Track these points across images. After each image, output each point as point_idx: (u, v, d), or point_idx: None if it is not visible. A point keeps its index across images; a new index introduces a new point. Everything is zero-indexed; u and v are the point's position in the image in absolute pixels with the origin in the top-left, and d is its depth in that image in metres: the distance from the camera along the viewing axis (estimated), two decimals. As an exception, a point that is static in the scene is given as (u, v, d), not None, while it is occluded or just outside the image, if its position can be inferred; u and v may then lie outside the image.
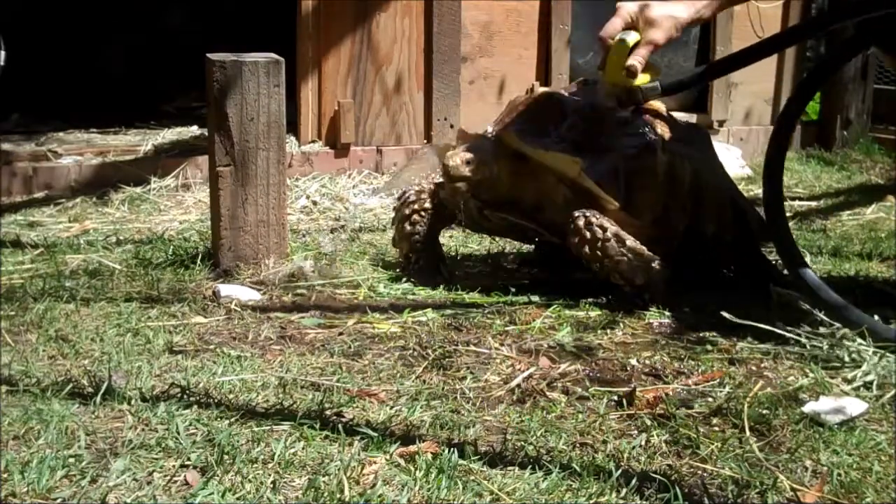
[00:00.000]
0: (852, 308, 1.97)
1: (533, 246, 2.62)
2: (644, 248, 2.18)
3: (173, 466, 1.40)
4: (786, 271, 2.14)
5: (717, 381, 1.78)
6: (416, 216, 2.42)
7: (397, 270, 2.47)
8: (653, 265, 2.18)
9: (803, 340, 1.94)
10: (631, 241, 2.17)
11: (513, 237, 2.57)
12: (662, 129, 2.35)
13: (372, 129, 3.90)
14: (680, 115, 4.63)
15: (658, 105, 2.40)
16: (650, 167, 2.28)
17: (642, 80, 2.21)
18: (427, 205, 2.42)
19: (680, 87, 2.30)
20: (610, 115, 2.30)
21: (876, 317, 1.95)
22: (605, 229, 2.16)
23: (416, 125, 3.99)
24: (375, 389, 1.72)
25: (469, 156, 2.27)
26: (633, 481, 1.38)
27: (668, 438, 1.54)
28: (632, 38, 2.14)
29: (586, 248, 2.18)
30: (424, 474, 1.38)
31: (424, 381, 1.77)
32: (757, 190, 4.05)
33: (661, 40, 2.13)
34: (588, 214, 2.19)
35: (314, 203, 3.44)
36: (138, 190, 3.45)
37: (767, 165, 2.12)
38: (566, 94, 2.40)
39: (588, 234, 2.17)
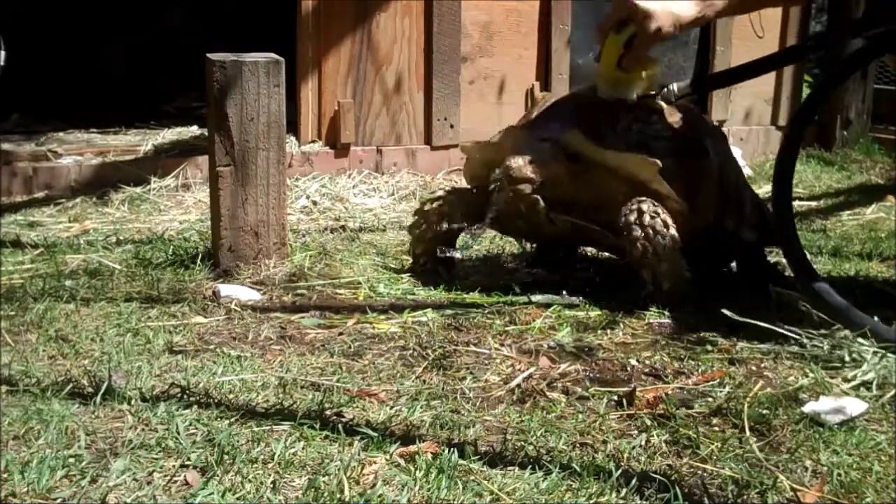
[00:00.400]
0: (854, 310, 1.96)
1: (533, 246, 2.62)
2: (683, 258, 2.17)
3: (173, 466, 1.40)
4: (792, 274, 2.13)
5: (717, 381, 1.78)
6: (436, 219, 2.38)
7: (402, 273, 2.47)
8: (684, 275, 2.18)
9: (804, 340, 1.94)
10: (678, 248, 2.16)
11: (571, 241, 2.50)
12: (700, 119, 2.39)
13: (372, 129, 3.90)
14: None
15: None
16: (707, 169, 2.30)
17: (638, 73, 2.23)
18: (447, 208, 2.38)
19: (711, 84, 2.52)
20: (661, 116, 2.31)
21: (876, 318, 1.95)
22: (667, 226, 2.14)
23: (416, 125, 3.98)
24: (375, 389, 1.72)
25: (530, 157, 2.20)
26: (633, 481, 1.38)
27: (668, 438, 1.54)
28: (627, 30, 2.14)
29: (638, 232, 2.14)
30: (424, 474, 1.38)
31: (424, 381, 1.77)
32: (757, 190, 4.05)
33: (659, 34, 2.13)
34: (654, 205, 2.16)
35: (314, 203, 3.44)
36: (138, 190, 3.45)
37: (779, 166, 2.10)
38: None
39: (647, 222, 2.14)
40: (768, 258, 2.57)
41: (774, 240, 2.45)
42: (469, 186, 2.46)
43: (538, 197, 2.21)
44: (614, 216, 2.20)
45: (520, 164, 2.19)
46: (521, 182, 2.20)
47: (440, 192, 2.43)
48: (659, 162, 2.18)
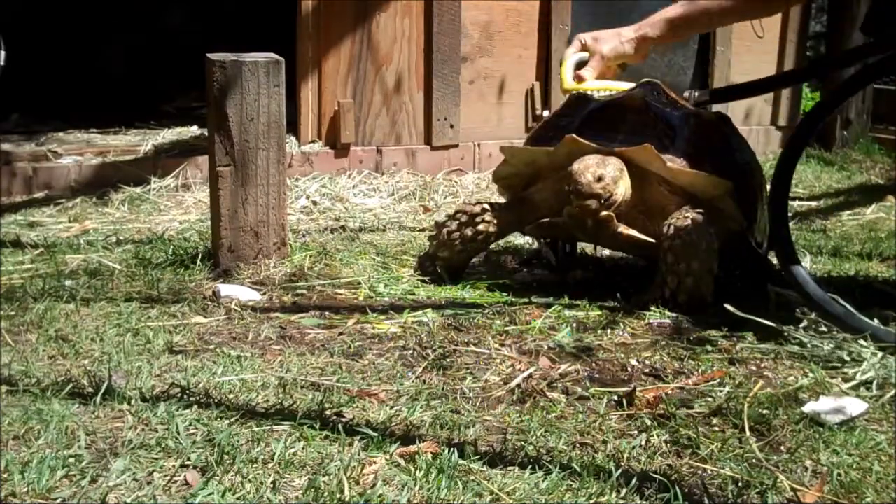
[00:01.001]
0: (853, 313, 1.96)
1: (535, 246, 2.62)
2: (716, 265, 2.18)
3: (173, 466, 1.40)
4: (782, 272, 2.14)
5: (717, 381, 1.78)
6: (471, 244, 2.38)
7: (401, 271, 2.47)
8: (705, 297, 2.17)
9: (804, 340, 1.94)
10: (713, 269, 2.16)
11: (630, 252, 2.50)
12: (734, 131, 2.41)
13: (372, 129, 3.90)
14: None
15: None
16: (749, 183, 2.33)
17: (596, 87, 2.37)
18: (486, 227, 2.36)
19: (728, 94, 2.53)
20: (716, 127, 2.34)
21: (875, 320, 1.95)
22: (708, 245, 2.14)
23: (416, 125, 3.99)
24: (375, 389, 1.72)
25: (601, 171, 2.16)
26: (633, 481, 1.38)
27: (668, 438, 1.54)
28: (578, 57, 2.37)
29: (673, 252, 2.15)
30: (424, 474, 1.38)
31: (424, 381, 1.77)
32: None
33: (605, 51, 2.33)
34: (702, 220, 2.16)
35: (314, 203, 3.44)
36: (138, 190, 3.45)
37: (778, 174, 2.12)
38: (657, 100, 2.37)
39: (690, 239, 2.14)
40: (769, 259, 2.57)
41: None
42: (502, 196, 2.49)
43: (612, 214, 2.20)
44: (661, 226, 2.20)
45: (588, 179, 2.15)
46: (589, 198, 2.16)
47: (478, 207, 2.39)
48: (730, 183, 2.22)
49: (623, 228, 2.23)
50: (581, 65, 2.35)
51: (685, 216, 2.17)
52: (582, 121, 2.35)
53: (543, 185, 2.36)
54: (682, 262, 2.15)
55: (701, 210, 2.18)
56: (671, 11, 2.31)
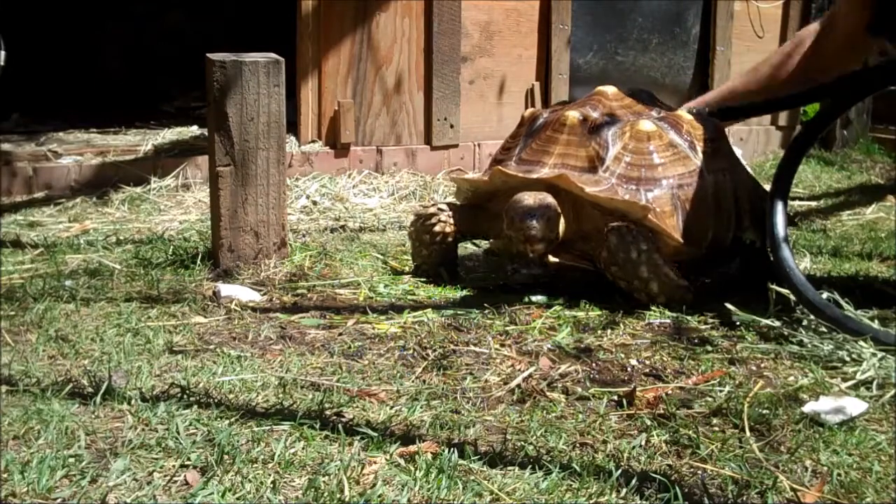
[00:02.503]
0: (852, 316, 1.96)
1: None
2: (674, 271, 2.18)
3: (173, 466, 1.40)
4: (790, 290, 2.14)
5: (717, 381, 1.78)
6: (434, 246, 2.40)
7: (401, 271, 2.47)
8: (678, 287, 2.19)
9: (804, 340, 1.94)
10: (663, 265, 2.17)
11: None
12: (696, 137, 2.36)
13: (372, 129, 3.90)
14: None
15: (684, 115, 2.45)
16: (701, 195, 2.29)
17: None
18: (443, 227, 2.38)
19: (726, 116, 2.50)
20: (655, 139, 2.30)
21: (876, 322, 1.95)
22: (640, 252, 2.15)
23: (416, 125, 3.98)
24: (375, 389, 1.72)
25: (539, 225, 2.16)
26: (633, 481, 1.38)
27: (668, 438, 1.54)
28: None
29: (615, 268, 2.18)
30: (424, 474, 1.38)
31: (424, 381, 1.77)
32: (757, 190, 4.05)
33: None
34: (624, 233, 2.16)
35: (314, 203, 3.44)
36: (138, 190, 3.45)
37: (777, 180, 2.12)
38: (593, 113, 2.35)
39: (621, 255, 2.16)
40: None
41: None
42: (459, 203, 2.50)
43: (544, 251, 2.22)
44: (598, 247, 2.21)
45: (532, 235, 2.16)
46: (536, 247, 2.19)
47: (433, 209, 2.42)
48: (650, 206, 2.19)
49: (555, 259, 2.26)
50: None
51: (610, 236, 2.17)
52: (523, 142, 2.38)
53: (498, 203, 2.34)
54: (633, 279, 2.17)
55: (624, 224, 2.17)
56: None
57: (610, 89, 2.44)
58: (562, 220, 2.23)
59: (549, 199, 2.20)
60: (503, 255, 2.43)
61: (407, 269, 2.49)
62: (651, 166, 2.27)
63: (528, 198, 2.18)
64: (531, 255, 2.21)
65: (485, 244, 2.79)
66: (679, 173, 2.29)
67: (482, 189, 2.41)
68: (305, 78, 3.77)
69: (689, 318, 2.13)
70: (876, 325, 1.95)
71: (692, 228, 2.26)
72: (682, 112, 2.45)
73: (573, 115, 2.32)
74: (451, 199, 3.59)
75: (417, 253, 2.45)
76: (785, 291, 2.17)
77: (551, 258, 2.26)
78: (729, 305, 2.05)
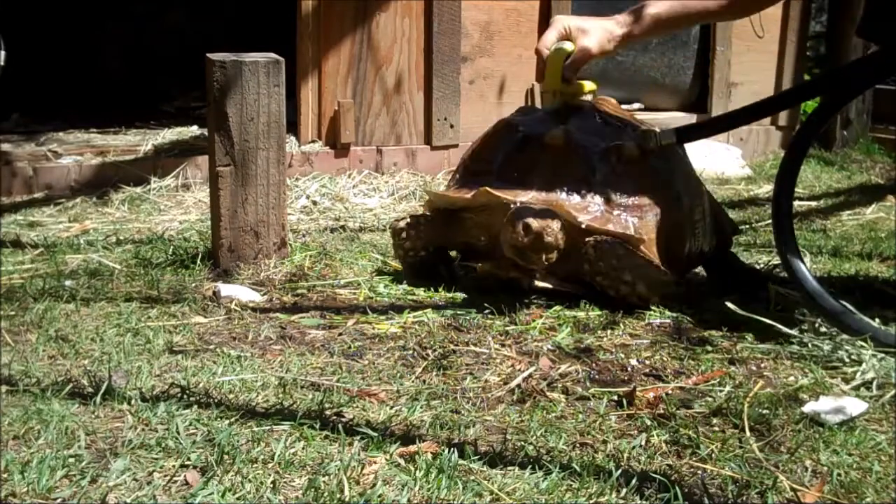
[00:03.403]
0: (851, 315, 1.96)
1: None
2: (659, 267, 2.16)
3: (173, 466, 1.40)
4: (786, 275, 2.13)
5: (717, 381, 1.78)
6: (410, 255, 2.38)
7: (401, 272, 2.47)
8: (667, 283, 2.17)
9: (805, 339, 1.94)
10: (645, 265, 2.15)
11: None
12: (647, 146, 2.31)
13: (372, 129, 3.90)
14: (680, 116, 4.66)
15: (619, 109, 2.43)
16: (668, 209, 2.25)
17: (582, 87, 2.33)
18: (412, 244, 2.36)
19: (694, 133, 2.34)
20: (640, 163, 2.24)
21: (877, 320, 1.95)
22: (618, 257, 2.13)
23: (416, 125, 3.99)
24: (375, 389, 1.72)
25: (548, 240, 2.09)
26: (633, 481, 1.38)
27: (668, 438, 1.54)
28: (567, 46, 2.26)
29: (600, 278, 2.17)
30: (424, 474, 1.38)
31: (424, 381, 1.77)
32: (757, 190, 4.06)
33: (594, 49, 2.25)
34: (600, 242, 2.14)
35: (314, 203, 3.44)
36: (138, 190, 3.45)
37: (780, 178, 2.10)
38: (577, 137, 2.27)
39: (601, 265, 2.15)
40: (739, 259, 2.59)
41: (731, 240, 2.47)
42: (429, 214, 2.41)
43: (531, 279, 2.21)
44: (579, 265, 2.18)
45: (537, 246, 2.09)
46: (551, 251, 2.13)
47: (402, 223, 2.37)
48: (642, 236, 2.15)
49: (544, 283, 2.22)
50: (564, 56, 2.27)
51: (588, 249, 2.15)
52: (503, 157, 2.30)
53: (472, 216, 2.31)
54: (620, 285, 2.14)
55: (600, 237, 2.15)
56: (657, 8, 2.23)
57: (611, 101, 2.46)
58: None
59: (556, 220, 2.12)
60: (488, 274, 2.31)
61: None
62: (635, 190, 2.23)
63: (534, 222, 2.09)
64: (535, 265, 2.16)
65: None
66: (660, 197, 2.25)
67: (460, 204, 2.32)
68: (305, 78, 3.77)
69: (689, 318, 2.13)
70: (877, 324, 1.95)
71: (672, 251, 2.25)
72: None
73: (559, 135, 2.25)
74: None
75: (400, 259, 2.44)
76: (786, 292, 2.18)
77: (539, 283, 2.22)
78: (730, 304, 2.05)
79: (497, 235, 2.20)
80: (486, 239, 2.28)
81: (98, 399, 1.62)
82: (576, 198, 2.21)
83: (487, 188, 2.23)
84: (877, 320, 1.96)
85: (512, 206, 2.17)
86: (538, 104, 4.13)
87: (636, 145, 2.26)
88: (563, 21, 2.30)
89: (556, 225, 2.09)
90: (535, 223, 2.08)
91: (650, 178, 2.26)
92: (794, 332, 1.97)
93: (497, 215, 2.21)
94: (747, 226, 3.24)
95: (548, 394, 1.72)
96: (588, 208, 2.20)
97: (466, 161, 2.45)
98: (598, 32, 2.25)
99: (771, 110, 2.40)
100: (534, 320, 2.10)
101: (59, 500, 1.31)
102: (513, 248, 2.14)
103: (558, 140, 2.24)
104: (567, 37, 2.27)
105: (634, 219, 2.20)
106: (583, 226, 2.15)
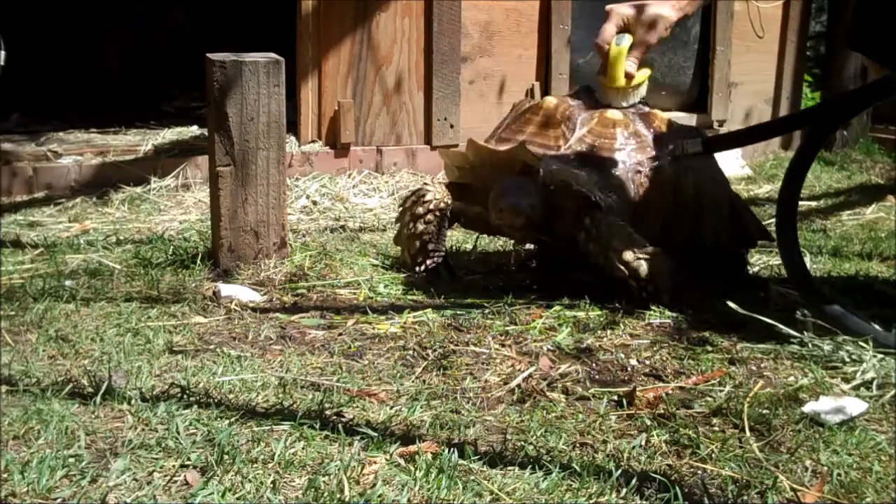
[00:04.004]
0: (852, 316, 1.95)
1: (534, 246, 2.62)
2: (647, 242, 2.18)
3: (173, 466, 1.40)
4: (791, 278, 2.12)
5: (717, 381, 1.78)
6: (429, 216, 2.40)
7: (401, 271, 2.47)
8: (657, 257, 2.17)
9: (805, 339, 1.94)
10: (636, 236, 2.18)
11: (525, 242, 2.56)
12: (664, 135, 2.35)
13: (372, 129, 3.90)
14: (680, 116, 4.65)
15: (659, 113, 2.43)
16: (658, 184, 2.29)
17: (640, 78, 2.33)
18: (441, 205, 2.40)
19: (720, 143, 2.35)
20: (621, 129, 2.32)
21: (875, 326, 1.95)
22: (609, 225, 2.18)
23: (416, 125, 3.99)
24: (375, 389, 1.72)
25: (518, 206, 2.21)
26: (633, 481, 1.38)
27: (668, 438, 1.54)
28: (627, 41, 2.23)
29: (592, 245, 2.20)
30: (424, 474, 1.38)
31: (424, 381, 1.77)
32: (757, 190, 4.06)
33: (654, 40, 2.23)
34: (596, 214, 2.20)
35: (314, 203, 3.44)
36: (138, 190, 3.45)
37: (785, 185, 2.09)
38: (573, 103, 2.40)
39: (594, 231, 2.19)
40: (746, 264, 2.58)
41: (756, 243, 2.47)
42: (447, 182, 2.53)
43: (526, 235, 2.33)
44: (567, 226, 2.25)
45: (509, 218, 2.24)
46: (514, 228, 2.29)
47: (421, 187, 2.45)
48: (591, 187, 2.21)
49: (525, 235, 2.35)
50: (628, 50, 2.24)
51: (585, 218, 2.21)
52: (505, 125, 2.46)
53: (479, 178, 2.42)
54: (608, 251, 2.17)
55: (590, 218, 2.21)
56: None
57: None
58: (538, 209, 2.25)
59: (520, 181, 2.25)
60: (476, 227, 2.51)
61: (407, 269, 2.49)
62: (610, 149, 2.30)
63: (509, 179, 2.25)
64: (509, 233, 2.31)
65: (484, 246, 2.79)
66: (637, 160, 2.31)
67: (458, 163, 2.46)
68: (305, 78, 3.77)
69: (689, 318, 2.13)
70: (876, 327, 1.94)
71: (647, 219, 2.28)
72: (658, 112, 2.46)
73: (550, 99, 2.42)
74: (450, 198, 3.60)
75: (410, 238, 2.42)
76: (786, 292, 2.18)
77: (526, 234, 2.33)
78: (731, 303, 2.05)
79: None
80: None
81: (98, 399, 1.62)
82: (551, 151, 2.30)
83: (473, 140, 2.38)
84: (876, 320, 1.96)
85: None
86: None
87: (616, 103, 2.35)
88: (620, 11, 2.23)
89: (508, 210, 2.22)
90: (498, 212, 2.24)
91: (632, 141, 2.33)
92: (794, 331, 1.97)
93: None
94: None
95: (548, 394, 1.72)
96: (562, 166, 2.27)
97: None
98: (656, 21, 2.20)
99: (802, 124, 2.34)
100: (534, 320, 2.10)
101: (59, 500, 1.31)
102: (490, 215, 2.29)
103: (549, 103, 2.40)
104: (625, 28, 2.23)
105: (611, 185, 2.26)
106: (540, 165, 2.24)
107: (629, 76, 2.30)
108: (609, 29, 2.24)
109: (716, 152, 2.34)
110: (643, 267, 2.16)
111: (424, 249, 2.41)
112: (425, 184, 2.50)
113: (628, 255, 2.16)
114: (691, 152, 2.25)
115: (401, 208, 2.49)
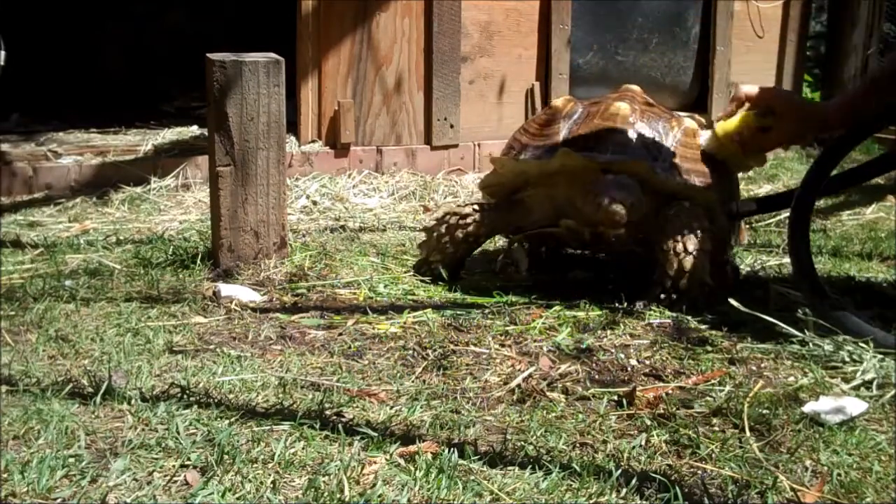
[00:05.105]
0: (852, 317, 1.95)
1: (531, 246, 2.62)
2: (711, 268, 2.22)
3: (173, 466, 1.40)
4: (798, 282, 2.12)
5: (717, 381, 1.78)
6: (470, 238, 2.39)
7: (402, 273, 2.47)
8: (703, 284, 2.20)
9: (805, 339, 1.94)
10: (709, 250, 2.21)
11: (612, 253, 2.57)
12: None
13: (372, 129, 3.90)
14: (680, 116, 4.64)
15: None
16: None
17: (750, 159, 2.41)
18: (480, 231, 2.39)
19: (774, 204, 2.43)
20: (695, 135, 2.41)
21: (875, 328, 1.95)
22: (693, 228, 2.20)
23: (416, 125, 3.98)
24: (375, 389, 1.72)
25: (626, 199, 2.17)
26: (633, 481, 1.38)
27: (668, 438, 1.54)
28: (766, 120, 2.25)
29: (670, 226, 2.22)
30: (424, 474, 1.38)
31: (424, 381, 1.77)
32: (757, 190, 4.05)
33: (781, 142, 2.34)
34: (684, 208, 2.24)
35: (314, 203, 3.44)
36: (138, 190, 3.45)
37: (797, 206, 2.11)
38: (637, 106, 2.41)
39: (678, 226, 2.20)
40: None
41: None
42: (489, 199, 2.49)
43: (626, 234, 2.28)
44: (649, 230, 2.26)
45: (617, 210, 2.16)
46: (617, 226, 2.21)
47: (468, 209, 2.41)
48: (714, 194, 2.29)
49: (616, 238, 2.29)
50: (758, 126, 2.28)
51: (674, 206, 2.25)
52: (567, 131, 2.38)
53: (535, 191, 2.38)
54: (679, 243, 2.18)
55: (687, 204, 2.25)
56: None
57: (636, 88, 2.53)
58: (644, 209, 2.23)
59: (631, 182, 2.21)
60: (539, 239, 2.46)
61: (407, 268, 2.49)
62: (696, 159, 2.35)
63: (613, 183, 2.20)
64: (608, 237, 2.27)
65: (484, 246, 2.79)
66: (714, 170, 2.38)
67: (531, 172, 2.37)
68: (305, 78, 3.77)
69: (689, 318, 2.13)
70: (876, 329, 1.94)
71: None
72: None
73: (623, 105, 2.38)
74: (450, 199, 3.60)
75: (439, 252, 2.41)
76: (787, 292, 2.18)
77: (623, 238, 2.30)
78: (733, 301, 2.05)
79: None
80: (550, 209, 2.35)
81: (98, 399, 1.62)
82: (650, 161, 2.29)
83: (567, 150, 2.29)
84: (877, 321, 1.96)
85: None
86: (537, 105, 4.13)
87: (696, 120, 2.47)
88: (779, 95, 2.32)
89: (633, 195, 2.18)
90: (604, 207, 2.16)
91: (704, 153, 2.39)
92: (794, 331, 1.97)
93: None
94: (748, 226, 3.24)
95: (548, 394, 1.72)
96: (664, 170, 2.30)
97: (514, 141, 2.51)
98: (798, 127, 2.24)
99: (862, 179, 2.32)
100: (534, 320, 2.10)
101: (59, 500, 1.31)
102: (594, 217, 2.20)
103: (625, 110, 2.37)
104: (771, 110, 2.23)
105: (698, 180, 2.31)
106: (662, 178, 2.26)
107: (749, 149, 2.33)
108: (762, 99, 2.26)
109: (769, 212, 2.51)
110: (684, 281, 2.18)
111: (446, 263, 2.41)
112: (469, 204, 2.45)
113: (688, 263, 2.17)
114: (743, 211, 2.40)
115: (437, 221, 2.45)
